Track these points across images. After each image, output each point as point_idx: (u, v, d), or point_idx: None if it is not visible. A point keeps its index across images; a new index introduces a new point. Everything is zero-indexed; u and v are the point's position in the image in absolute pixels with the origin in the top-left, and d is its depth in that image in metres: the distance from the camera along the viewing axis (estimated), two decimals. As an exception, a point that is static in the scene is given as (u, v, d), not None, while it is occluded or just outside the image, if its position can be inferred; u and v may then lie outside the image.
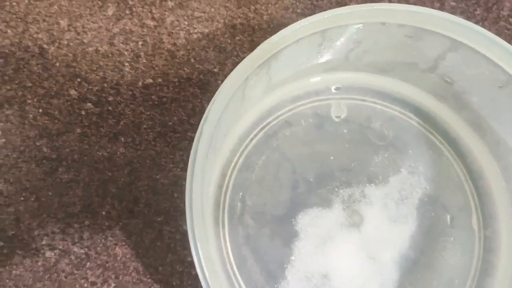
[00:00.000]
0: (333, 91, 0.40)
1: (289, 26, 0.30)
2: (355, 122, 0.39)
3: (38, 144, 0.39)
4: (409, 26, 0.33)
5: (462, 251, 0.36)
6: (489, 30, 0.36)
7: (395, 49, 0.35)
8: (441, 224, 0.37)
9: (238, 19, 0.43)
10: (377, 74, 0.39)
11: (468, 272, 0.36)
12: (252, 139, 0.38)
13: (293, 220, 0.36)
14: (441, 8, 0.45)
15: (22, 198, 0.37)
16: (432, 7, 0.39)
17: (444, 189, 0.38)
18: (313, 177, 0.37)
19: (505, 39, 0.42)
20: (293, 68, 0.36)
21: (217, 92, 0.29)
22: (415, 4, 0.43)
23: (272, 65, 0.33)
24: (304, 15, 0.44)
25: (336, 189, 0.37)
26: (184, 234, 0.37)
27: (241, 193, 0.37)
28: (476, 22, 0.45)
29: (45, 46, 0.42)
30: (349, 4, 0.43)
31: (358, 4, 0.34)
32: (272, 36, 0.30)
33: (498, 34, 0.44)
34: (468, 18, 0.45)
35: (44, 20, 0.42)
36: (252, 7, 0.44)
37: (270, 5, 0.44)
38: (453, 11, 0.45)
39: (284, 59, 0.33)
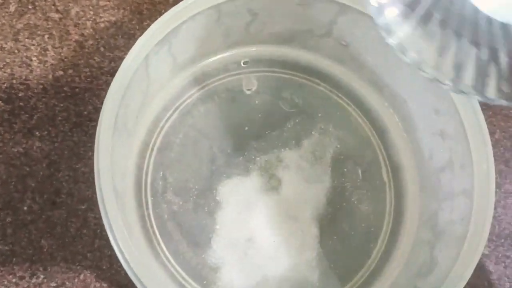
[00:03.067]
0: (242, 65, 0.41)
1: (181, 3, 0.31)
2: (266, 93, 0.41)
3: None
4: (298, -7, 0.34)
5: (376, 201, 0.39)
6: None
7: (290, 18, 0.37)
8: (354, 179, 0.39)
9: (144, 5, 0.44)
10: (281, 44, 0.40)
11: (382, 219, 0.39)
12: (168, 119, 0.39)
13: (214, 191, 0.37)
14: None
15: None
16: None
17: (354, 146, 0.40)
18: (230, 149, 0.39)
19: None
20: (195, 45, 0.37)
21: (116, 73, 0.30)
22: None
23: (172, 42, 0.34)
24: (209, -5, 0.45)
25: (253, 157, 0.39)
26: (110, 219, 0.38)
27: (161, 172, 0.37)
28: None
29: None
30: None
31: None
32: (165, 13, 0.31)
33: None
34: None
35: None
36: (157, -8, 0.44)
37: (175, -12, 0.45)
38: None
39: (184, 36, 0.34)
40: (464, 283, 0.30)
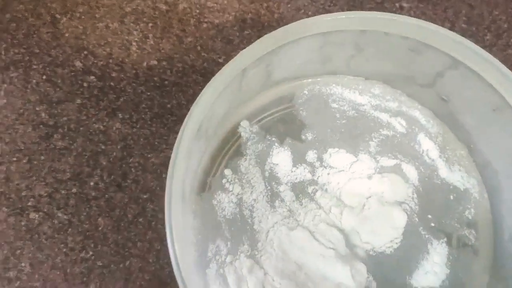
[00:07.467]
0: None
1: (291, 24, 0.31)
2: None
3: (37, 109, 0.40)
4: (412, 39, 0.33)
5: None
6: (496, 56, 0.36)
7: (396, 61, 0.35)
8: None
9: (249, 14, 0.44)
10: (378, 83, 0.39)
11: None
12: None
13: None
14: (451, 28, 0.45)
15: (14, 159, 0.38)
16: (443, 26, 0.39)
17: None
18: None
19: (511, 67, 0.42)
20: (293, 67, 0.36)
21: (212, 79, 0.30)
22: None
23: (272, 60, 0.33)
24: (315, 18, 0.44)
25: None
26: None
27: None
28: (484, 47, 0.45)
29: (57, 16, 0.43)
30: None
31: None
32: (273, 31, 0.31)
33: (505, 61, 0.44)
34: (477, 42, 0.45)
35: (60, -10, 0.43)
36: (265, 4, 0.44)
37: (282, 4, 0.45)
38: (462, 33, 0.45)
39: (284, 56, 0.33)
40: None
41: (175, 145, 0.29)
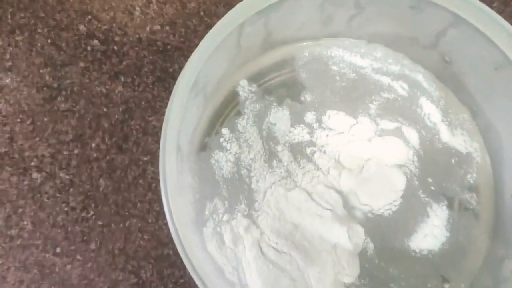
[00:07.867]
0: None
1: (289, -22, 0.31)
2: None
3: (41, 71, 0.40)
4: (413, -5, 0.32)
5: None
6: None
7: (398, 21, 0.35)
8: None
9: (253, -20, 0.44)
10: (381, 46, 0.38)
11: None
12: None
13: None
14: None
15: (18, 120, 0.39)
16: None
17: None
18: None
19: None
20: (292, 27, 0.36)
21: (208, 33, 0.30)
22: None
23: (271, 17, 0.33)
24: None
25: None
26: (167, 177, 0.38)
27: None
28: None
29: (62, -20, 0.43)
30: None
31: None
32: (271, -15, 0.30)
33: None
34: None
35: (64, -44, 0.43)
36: (269, -30, 0.44)
37: (286, -30, 0.44)
38: (470, 0, 0.44)
39: (284, 13, 0.33)
40: None
41: (170, 97, 0.29)
